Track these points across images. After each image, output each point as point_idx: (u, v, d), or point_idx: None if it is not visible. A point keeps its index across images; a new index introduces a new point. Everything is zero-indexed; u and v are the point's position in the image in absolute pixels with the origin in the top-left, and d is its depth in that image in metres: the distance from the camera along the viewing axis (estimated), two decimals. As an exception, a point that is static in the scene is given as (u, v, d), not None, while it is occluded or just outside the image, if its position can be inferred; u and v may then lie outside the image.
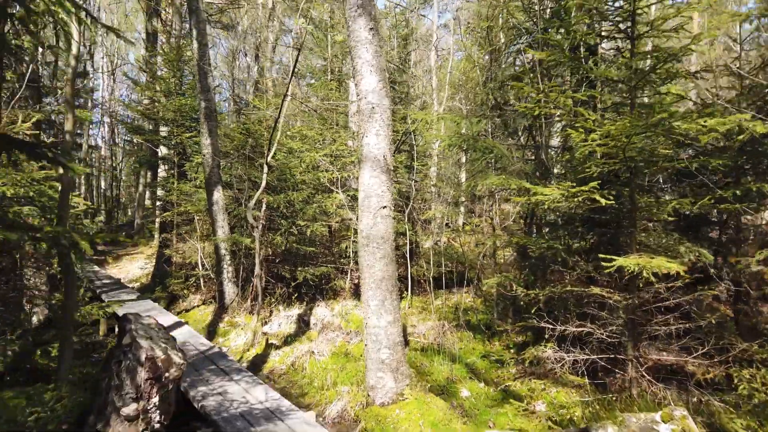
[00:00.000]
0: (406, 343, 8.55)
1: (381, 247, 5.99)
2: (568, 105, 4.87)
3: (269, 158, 9.59)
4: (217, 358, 6.67)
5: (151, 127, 16.36)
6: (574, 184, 4.54)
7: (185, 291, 12.11)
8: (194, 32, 10.57)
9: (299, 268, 11.23)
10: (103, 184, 36.08)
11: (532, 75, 7.80)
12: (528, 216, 8.78)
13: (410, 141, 11.39)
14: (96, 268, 16.82)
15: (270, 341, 8.76)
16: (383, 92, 6.11)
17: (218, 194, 10.90)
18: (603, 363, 5.58)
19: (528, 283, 6.68)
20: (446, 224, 17.20)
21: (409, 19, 19.46)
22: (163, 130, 14.36)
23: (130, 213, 31.97)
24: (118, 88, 33.89)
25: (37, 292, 7.97)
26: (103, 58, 32.35)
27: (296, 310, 10.01)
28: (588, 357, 5.45)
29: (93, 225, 7.80)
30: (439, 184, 14.80)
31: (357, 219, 6.23)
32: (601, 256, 4.52)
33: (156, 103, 14.30)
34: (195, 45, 10.59)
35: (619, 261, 4.43)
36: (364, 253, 6.05)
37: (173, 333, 8.17)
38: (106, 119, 32.60)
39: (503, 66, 9.06)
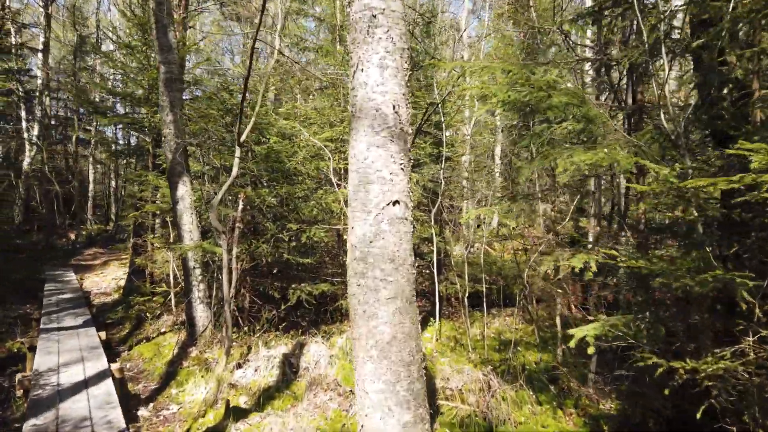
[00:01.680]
0: (437, 411, 5.66)
1: (390, 276, 3.14)
2: None
3: (244, 135, 6.87)
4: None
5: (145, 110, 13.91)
6: None
7: (148, 313, 9.52)
8: (149, -28, 7.94)
9: (293, 286, 8.46)
10: (113, 182, 34.34)
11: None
12: (618, 215, 5.80)
13: (438, 115, 8.49)
14: (71, 276, 14.46)
15: (235, 401, 6.02)
16: (394, -14, 3.27)
17: (184, 188, 8.24)
18: None
19: (656, 340, 3.72)
20: (477, 225, 14.25)
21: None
22: (142, 113, 11.91)
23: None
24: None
25: None
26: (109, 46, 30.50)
27: (282, 348, 7.24)
28: None
29: None
30: (473, 177, 11.86)
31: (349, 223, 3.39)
32: None
33: (126, 78, 11.80)
34: (151, -11, 7.96)
35: None
36: (357, 289, 3.21)
37: (83, 395, 5.48)
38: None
39: None
